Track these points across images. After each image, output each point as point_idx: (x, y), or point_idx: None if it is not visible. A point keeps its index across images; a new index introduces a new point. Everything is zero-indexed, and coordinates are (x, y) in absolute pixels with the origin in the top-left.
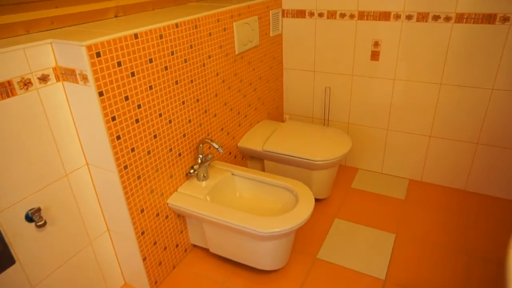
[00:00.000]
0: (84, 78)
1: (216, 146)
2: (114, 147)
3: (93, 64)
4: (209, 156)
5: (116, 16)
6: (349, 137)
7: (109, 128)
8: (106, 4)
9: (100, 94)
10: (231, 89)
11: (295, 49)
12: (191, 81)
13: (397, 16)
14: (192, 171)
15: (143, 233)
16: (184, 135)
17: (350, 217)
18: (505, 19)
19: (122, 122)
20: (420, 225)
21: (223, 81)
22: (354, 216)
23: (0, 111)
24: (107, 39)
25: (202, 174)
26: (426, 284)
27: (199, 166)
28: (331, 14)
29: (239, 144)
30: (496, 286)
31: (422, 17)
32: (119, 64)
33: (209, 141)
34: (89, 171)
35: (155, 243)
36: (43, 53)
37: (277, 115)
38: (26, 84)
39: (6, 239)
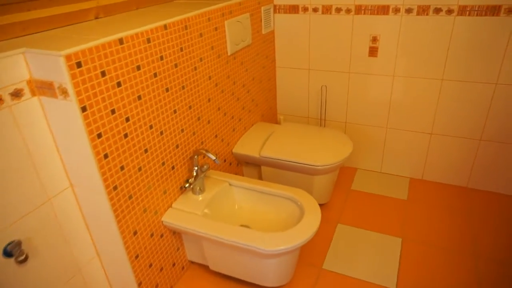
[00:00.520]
0: (64, 92)
1: (213, 158)
2: (101, 167)
3: (73, 76)
4: (205, 167)
5: (96, 18)
6: (349, 138)
7: (94, 146)
8: (85, 4)
9: (83, 109)
10: (224, 92)
11: (288, 47)
12: (183, 87)
13: (396, 10)
14: (187, 185)
15: (137, 256)
16: (177, 146)
17: (353, 222)
18: (510, 11)
19: (109, 138)
20: (425, 227)
21: (216, 85)
22: (357, 221)
23: None
24: (88, 46)
25: (198, 188)
26: None
27: (195, 179)
28: (326, 9)
29: (234, 150)
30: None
31: (423, 10)
32: (103, 74)
33: (204, 151)
34: (74, 194)
35: (150, 266)
36: (15, 64)
37: (271, 117)
38: None
39: None
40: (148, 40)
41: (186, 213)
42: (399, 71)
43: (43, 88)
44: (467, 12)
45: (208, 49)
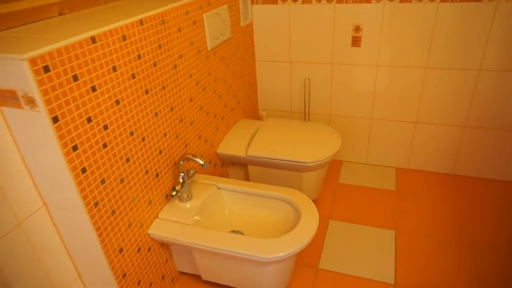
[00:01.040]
0: (31, 102)
1: (201, 162)
2: (79, 183)
3: (40, 83)
4: (191, 172)
5: (61, 14)
6: (337, 132)
7: (70, 160)
8: None
9: (55, 119)
10: (206, 90)
11: (267, 39)
12: (163, 87)
13: None
14: (174, 193)
15: (124, 275)
16: (160, 152)
17: (345, 217)
18: None
19: (86, 150)
20: (416, 217)
21: (197, 83)
22: (348, 215)
23: None
24: (56, 47)
25: (185, 195)
26: (436, 283)
27: (182, 186)
28: None
29: (218, 151)
30: (506, 272)
31: None
32: (75, 78)
33: (191, 156)
34: (49, 214)
35: (139, 283)
36: None
37: (253, 113)
38: None
39: None
40: (124, 38)
41: (175, 223)
42: (383, 60)
43: (5, 97)
44: None
45: (187, 45)
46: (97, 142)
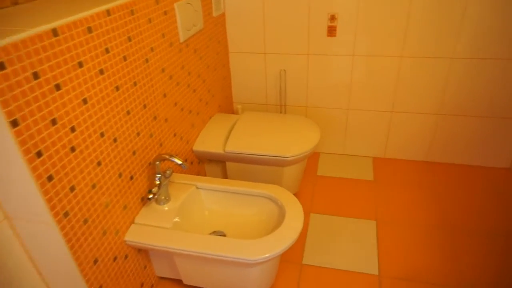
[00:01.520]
0: None
1: (179, 162)
2: (46, 192)
3: None
4: (168, 172)
5: (15, 4)
6: (315, 123)
7: (34, 168)
8: None
9: (14, 123)
10: (179, 85)
11: (241, 30)
12: (135, 83)
13: None
14: (150, 196)
15: (101, 287)
16: (134, 153)
17: (325, 210)
18: None
19: (52, 156)
20: (396, 206)
21: (170, 77)
22: (328, 208)
23: None
24: (13, 41)
25: (162, 197)
26: (419, 270)
27: (159, 188)
28: None
29: (194, 148)
30: (485, 255)
31: None
32: (36, 75)
33: (168, 156)
34: (12, 228)
35: None
36: None
37: (228, 106)
38: None
39: None
40: (89, 30)
41: (152, 228)
42: (359, 50)
43: None
44: None
45: (159, 37)
46: (64, 146)
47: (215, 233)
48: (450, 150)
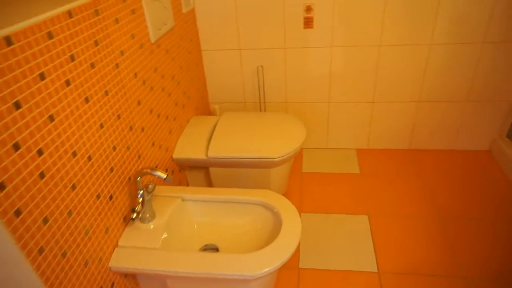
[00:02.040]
0: None
1: (163, 176)
2: (14, 229)
3: None
4: (150, 186)
5: None
6: (299, 120)
7: None
8: None
9: None
10: (154, 90)
11: (212, 26)
12: (106, 92)
13: None
14: (134, 216)
15: None
16: (111, 170)
17: (316, 208)
18: None
19: (18, 186)
20: (384, 197)
21: (144, 82)
22: (319, 206)
23: None
24: None
25: (147, 214)
26: (417, 262)
27: (142, 206)
28: None
29: (175, 156)
30: (476, 239)
31: None
32: None
33: (150, 171)
34: None
35: None
36: None
37: (205, 107)
38: None
39: None
40: (50, 35)
41: (139, 250)
42: (337, 41)
43: None
44: None
45: (128, 39)
46: (31, 173)
47: (206, 246)
48: (432, 136)
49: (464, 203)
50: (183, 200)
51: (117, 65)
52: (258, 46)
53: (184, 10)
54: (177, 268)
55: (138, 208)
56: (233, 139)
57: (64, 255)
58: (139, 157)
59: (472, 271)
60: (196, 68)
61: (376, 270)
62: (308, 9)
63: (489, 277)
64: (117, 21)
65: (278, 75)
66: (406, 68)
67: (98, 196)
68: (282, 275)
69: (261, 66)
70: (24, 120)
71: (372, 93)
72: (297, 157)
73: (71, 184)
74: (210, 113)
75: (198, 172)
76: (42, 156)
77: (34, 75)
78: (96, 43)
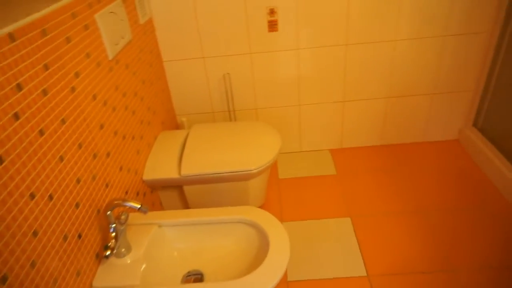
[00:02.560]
0: None
1: (137, 206)
2: None
3: None
4: (123, 217)
5: None
6: (272, 127)
7: None
8: None
9: None
10: (116, 110)
11: (172, 35)
12: (63, 121)
13: None
14: (108, 253)
15: None
16: (77, 206)
17: (297, 216)
18: None
19: None
20: (364, 196)
21: (105, 103)
22: (300, 213)
23: None
24: None
25: (122, 249)
26: (404, 261)
27: (116, 241)
28: None
29: (145, 178)
30: (458, 231)
31: None
32: None
33: (122, 202)
34: None
35: None
36: None
37: (171, 121)
38: None
39: None
40: None
41: None
42: (303, 42)
43: None
44: None
45: (83, 58)
46: None
47: (189, 274)
48: (402, 130)
49: (441, 194)
50: (159, 226)
51: (73, 89)
52: (223, 53)
53: (142, 21)
54: None
55: (111, 243)
56: (207, 154)
57: None
58: (107, 185)
59: (459, 264)
60: (159, 81)
61: (365, 274)
62: (272, 12)
63: (476, 268)
64: (68, 40)
65: (245, 81)
66: (374, 65)
67: (65, 238)
68: None
69: (228, 73)
70: None
71: (342, 93)
72: None
73: (32, 231)
74: (177, 126)
75: (172, 192)
76: None
77: None
78: (46, 67)
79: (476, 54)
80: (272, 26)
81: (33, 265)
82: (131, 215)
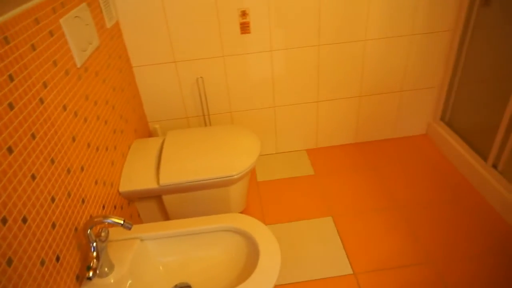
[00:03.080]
0: None
1: (120, 222)
2: None
3: None
4: (103, 234)
5: None
6: (250, 130)
7: None
8: None
9: None
10: (88, 121)
11: (141, 39)
12: (32, 135)
13: None
14: (91, 274)
15: None
16: (53, 226)
17: (279, 218)
18: None
19: None
20: (343, 194)
21: (76, 114)
22: (281, 215)
23: None
24: None
25: (105, 268)
26: (388, 256)
27: (98, 260)
28: None
29: (121, 189)
30: (435, 224)
31: None
32: None
33: (102, 219)
34: None
35: None
36: None
37: (144, 128)
38: None
39: None
40: None
41: None
42: (276, 44)
43: None
44: None
45: (50, 67)
46: None
47: (177, 287)
48: (374, 128)
49: (414, 188)
50: (142, 240)
51: (41, 100)
52: (195, 57)
53: (109, 25)
54: None
55: (93, 263)
56: (185, 161)
57: None
58: (83, 201)
59: (438, 256)
60: (130, 87)
61: (352, 272)
62: (244, 14)
63: (456, 259)
64: (33, 47)
65: (219, 84)
66: (346, 65)
67: (42, 262)
68: None
69: (201, 77)
70: None
71: (316, 93)
72: None
73: (6, 260)
74: (150, 134)
75: (150, 202)
76: None
77: None
78: (11, 78)
79: (441, 52)
80: (245, 28)
81: None
82: (111, 230)
